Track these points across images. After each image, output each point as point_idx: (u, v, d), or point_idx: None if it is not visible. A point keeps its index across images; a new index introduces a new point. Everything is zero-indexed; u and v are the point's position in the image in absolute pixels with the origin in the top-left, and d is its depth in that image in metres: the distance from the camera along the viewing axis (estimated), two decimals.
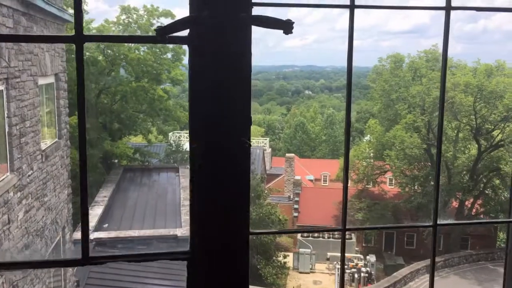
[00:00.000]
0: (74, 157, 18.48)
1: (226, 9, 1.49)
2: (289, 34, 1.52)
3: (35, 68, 8.58)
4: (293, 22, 1.48)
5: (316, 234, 36.88)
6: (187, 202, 18.04)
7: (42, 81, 9.29)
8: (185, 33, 1.54)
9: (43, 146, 9.31)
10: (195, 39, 1.51)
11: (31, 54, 8.32)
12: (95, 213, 16.65)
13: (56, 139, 10.41)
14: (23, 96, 7.89)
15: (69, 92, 18.95)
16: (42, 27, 9.14)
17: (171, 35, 1.49)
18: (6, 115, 7.39)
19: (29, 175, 8.19)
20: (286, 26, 1.49)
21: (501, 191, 33.12)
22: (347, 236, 27.05)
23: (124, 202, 19.46)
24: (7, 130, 7.40)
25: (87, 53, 19.40)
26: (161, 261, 1.68)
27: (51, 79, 10.03)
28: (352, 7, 1.53)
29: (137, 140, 32.29)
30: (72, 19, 12.28)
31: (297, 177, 44.99)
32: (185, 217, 16.40)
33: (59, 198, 10.30)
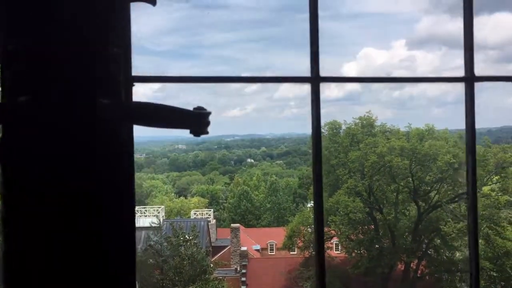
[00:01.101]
0: None
1: (69, 90, 0.75)
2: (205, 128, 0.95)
3: None
4: (209, 113, 0.92)
5: None
6: None
7: None
8: None
9: None
10: (8, 150, 0.78)
11: None
12: None
13: None
14: None
15: None
16: None
17: None
18: None
19: None
20: (197, 123, 0.88)
21: (442, 250, 33.76)
22: None
23: None
24: None
25: None
26: None
27: None
28: (316, 80, 1.04)
29: None
30: None
31: (243, 248, 44.01)
32: None
33: None
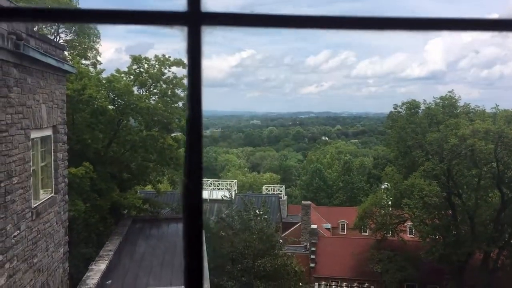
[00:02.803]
0: (79, 208, 18.01)
1: None
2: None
3: (27, 121, 8.18)
4: None
5: (334, 287, 35.37)
6: None
7: (36, 134, 8.87)
8: None
9: (35, 202, 8.78)
10: None
11: (22, 107, 7.93)
12: (98, 268, 15.90)
13: (52, 194, 9.90)
14: (10, 151, 7.44)
15: (76, 143, 18.73)
16: (39, 78, 8.82)
17: None
18: None
19: (14, 236, 7.62)
20: None
21: None
22: (365, 286, 25.51)
23: (131, 255, 18.71)
24: None
25: (96, 104, 19.28)
26: None
27: (48, 132, 9.63)
28: (193, 18, 0.59)
29: (149, 188, 31.92)
30: (73, 70, 12.08)
31: (313, 226, 43.80)
32: None
33: (53, 257, 9.67)
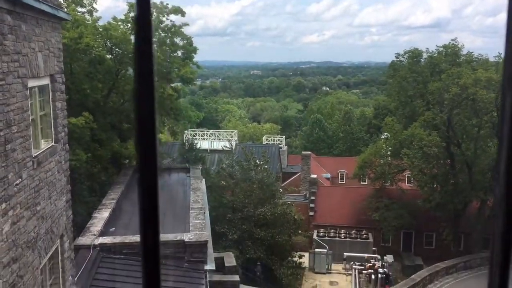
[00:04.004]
0: (81, 158, 18.15)
1: None
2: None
3: (24, 69, 8.07)
4: None
5: (332, 234, 36.15)
6: (196, 205, 17.48)
7: (34, 83, 8.79)
8: None
9: (35, 151, 8.82)
10: None
11: (18, 55, 7.81)
12: (101, 216, 16.22)
13: (52, 144, 9.93)
14: (8, 100, 7.39)
15: (76, 93, 18.62)
16: (34, 25, 8.64)
17: None
18: None
19: (16, 184, 7.70)
20: None
21: None
22: (364, 236, 26.16)
23: (133, 204, 19.02)
24: None
25: (94, 52, 18.99)
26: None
27: (45, 81, 9.54)
28: None
29: None
30: (68, 17, 11.82)
31: (313, 176, 44.29)
32: (194, 221, 15.87)
33: (56, 205, 9.82)
